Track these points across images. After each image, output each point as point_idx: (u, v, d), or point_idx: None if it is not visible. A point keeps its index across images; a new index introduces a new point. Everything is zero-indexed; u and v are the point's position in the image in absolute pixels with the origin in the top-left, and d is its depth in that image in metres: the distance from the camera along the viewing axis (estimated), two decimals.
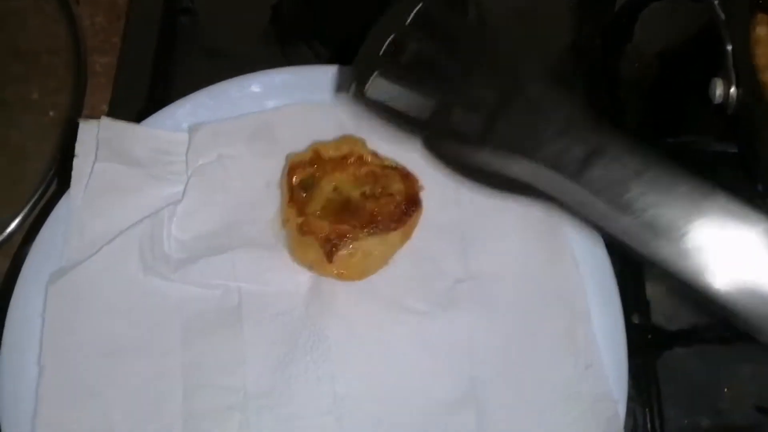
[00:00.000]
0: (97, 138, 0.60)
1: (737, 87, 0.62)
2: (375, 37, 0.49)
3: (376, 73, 0.48)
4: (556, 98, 0.46)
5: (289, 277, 0.58)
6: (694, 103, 0.74)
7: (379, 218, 0.58)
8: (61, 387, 0.53)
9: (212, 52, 0.79)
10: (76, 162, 0.59)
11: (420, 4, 0.49)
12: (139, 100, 0.73)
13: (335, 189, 0.60)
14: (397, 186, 0.60)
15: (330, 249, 0.56)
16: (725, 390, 0.67)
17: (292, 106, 0.64)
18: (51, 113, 0.74)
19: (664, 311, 0.70)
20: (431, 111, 0.48)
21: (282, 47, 0.80)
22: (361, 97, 0.48)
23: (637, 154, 0.43)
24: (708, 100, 0.65)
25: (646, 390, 0.64)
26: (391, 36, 0.49)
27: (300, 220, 0.58)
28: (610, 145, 0.43)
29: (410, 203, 0.59)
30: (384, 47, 0.49)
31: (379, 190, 0.60)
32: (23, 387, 0.53)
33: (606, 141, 0.43)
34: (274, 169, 0.62)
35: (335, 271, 0.57)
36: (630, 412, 0.58)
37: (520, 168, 0.45)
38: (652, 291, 0.69)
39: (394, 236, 0.58)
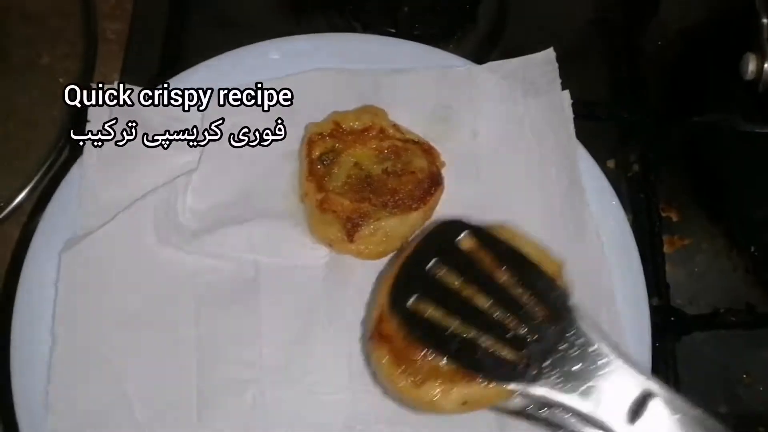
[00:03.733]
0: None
1: None
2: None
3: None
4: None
5: (307, 251, 0.57)
6: (721, 80, 0.72)
7: (400, 197, 0.57)
8: (74, 357, 0.52)
9: (225, 20, 0.77)
10: (88, 127, 0.58)
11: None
12: (151, 68, 0.71)
13: (356, 164, 0.58)
14: (418, 162, 0.58)
15: (351, 228, 0.55)
16: (744, 376, 0.66)
17: (311, 72, 0.62)
18: (61, 79, 0.72)
19: (683, 295, 0.69)
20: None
21: (297, 17, 0.78)
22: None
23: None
24: (738, 77, 0.64)
25: (663, 375, 0.63)
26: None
27: (320, 196, 0.56)
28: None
29: (432, 182, 0.58)
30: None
31: (401, 166, 0.58)
32: (36, 357, 0.52)
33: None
34: (293, 138, 0.60)
35: (355, 250, 0.56)
36: None
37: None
38: (673, 274, 0.69)
39: (415, 215, 0.57)
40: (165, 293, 0.55)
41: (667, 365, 0.63)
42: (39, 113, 0.70)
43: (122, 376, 0.52)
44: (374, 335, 0.49)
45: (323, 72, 0.62)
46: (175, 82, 0.61)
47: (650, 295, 0.64)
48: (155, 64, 0.71)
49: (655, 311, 0.63)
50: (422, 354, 0.47)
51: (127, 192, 0.56)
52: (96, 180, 0.56)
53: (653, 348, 0.60)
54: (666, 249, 0.69)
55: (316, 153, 0.58)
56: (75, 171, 0.57)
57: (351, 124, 0.59)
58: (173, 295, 0.55)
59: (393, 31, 0.73)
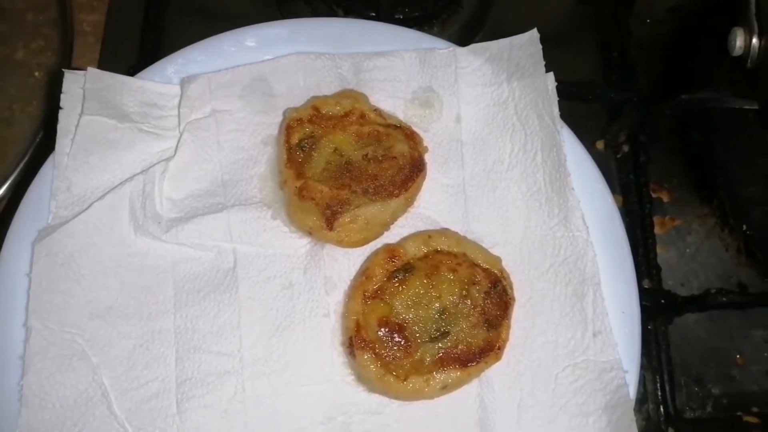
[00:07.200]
0: (84, 90, 0.57)
1: (760, 37, 0.58)
2: None
3: None
4: None
5: (286, 240, 0.56)
6: (710, 57, 0.70)
7: (381, 183, 0.55)
8: (49, 350, 0.51)
9: (204, 7, 0.75)
10: (61, 114, 0.57)
11: None
12: (129, 59, 0.70)
13: (335, 150, 0.57)
14: (400, 147, 0.57)
15: (330, 216, 0.54)
16: (737, 356, 0.65)
17: (290, 56, 0.61)
18: (36, 74, 0.71)
19: (675, 276, 0.68)
20: None
21: (278, 3, 0.76)
22: None
23: None
24: (726, 53, 0.62)
25: (656, 357, 0.62)
26: None
27: (299, 183, 0.55)
28: None
29: (414, 167, 0.56)
30: None
31: (382, 152, 0.57)
32: (9, 350, 0.51)
33: None
34: (271, 124, 0.59)
35: (335, 237, 0.55)
36: (640, 380, 0.56)
37: None
38: (664, 255, 0.68)
39: (396, 202, 0.56)
40: (142, 283, 0.54)
41: (659, 347, 0.63)
42: (15, 110, 0.69)
43: (99, 368, 0.51)
44: (356, 342, 0.51)
45: (301, 56, 0.60)
46: (150, 72, 0.60)
47: (642, 278, 0.64)
48: (133, 55, 0.70)
49: (646, 293, 0.63)
50: (404, 351, 0.51)
51: (102, 181, 0.56)
52: (69, 168, 0.55)
53: (645, 330, 0.59)
54: (657, 230, 0.68)
55: (295, 139, 0.57)
56: (50, 163, 0.56)
57: (331, 108, 0.58)
58: (150, 285, 0.54)
59: (374, 15, 0.71)
